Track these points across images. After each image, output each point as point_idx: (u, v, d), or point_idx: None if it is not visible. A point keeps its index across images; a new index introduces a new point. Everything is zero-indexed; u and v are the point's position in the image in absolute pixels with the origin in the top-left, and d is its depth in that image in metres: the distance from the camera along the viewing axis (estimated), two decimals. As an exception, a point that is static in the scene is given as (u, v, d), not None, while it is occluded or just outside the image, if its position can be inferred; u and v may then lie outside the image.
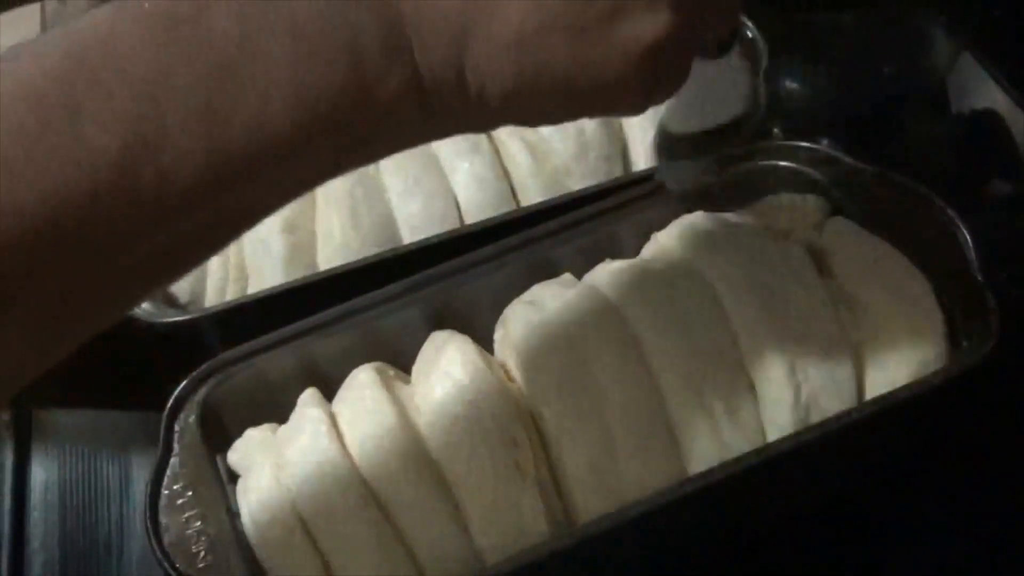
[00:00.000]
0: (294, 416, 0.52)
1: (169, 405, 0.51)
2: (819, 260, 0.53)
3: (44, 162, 0.27)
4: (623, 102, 0.36)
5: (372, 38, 0.31)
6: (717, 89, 0.46)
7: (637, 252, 0.57)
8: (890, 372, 0.50)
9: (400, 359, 0.54)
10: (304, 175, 0.34)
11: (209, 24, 0.30)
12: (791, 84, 0.78)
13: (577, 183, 0.62)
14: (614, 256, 0.56)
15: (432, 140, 0.37)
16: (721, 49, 0.43)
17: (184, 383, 0.52)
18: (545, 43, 0.33)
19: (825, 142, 0.61)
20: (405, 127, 0.34)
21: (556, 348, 0.49)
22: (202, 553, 0.47)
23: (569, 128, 0.63)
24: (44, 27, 0.96)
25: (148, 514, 0.48)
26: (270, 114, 0.30)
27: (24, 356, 0.30)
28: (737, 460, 0.47)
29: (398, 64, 0.32)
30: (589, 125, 0.63)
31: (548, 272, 0.55)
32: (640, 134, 0.65)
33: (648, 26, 0.33)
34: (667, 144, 0.48)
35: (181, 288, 0.62)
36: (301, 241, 0.61)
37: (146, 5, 0.30)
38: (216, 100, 0.29)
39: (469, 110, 0.34)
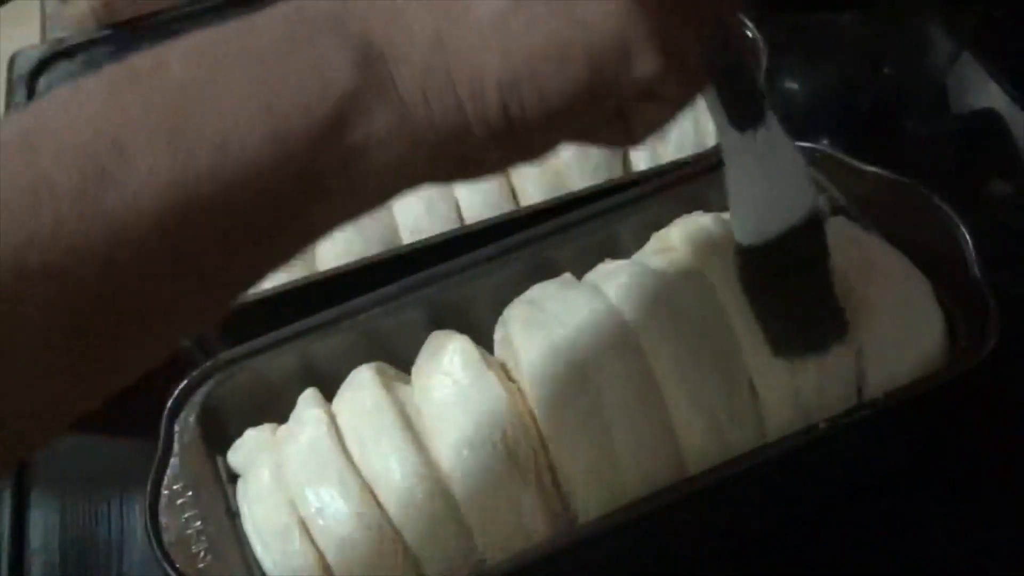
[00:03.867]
0: (294, 416, 0.52)
1: (169, 405, 0.52)
2: (819, 260, 0.53)
3: (3, 199, 0.27)
4: (636, 61, 0.32)
5: (342, 57, 0.30)
6: (768, 178, 0.42)
7: (637, 252, 0.57)
8: (890, 372, 0.50)
9: (400, 359, 0.54)
10: (274, 219, 0.32)
11: (168, 70, 0.30)
12: (791, 84, 0.78)
13: (577, 183, 0.62)
14: (614, 256, 0.56)
15: (430, 179, 0.34)
16: (746, 116, 0.39)
17: (184, 383, 0.52)
18: (527, 15, 0.31)
19: (825, 142, 0.61)
20: (391, 152, 0.32)
21: (556, 348, 0.49)
22: (202, 553, 0.47)
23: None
24: (44, 26, 0.96)
25: (148, 514, 0.48)
26: (237, 132, 0.29)
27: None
28: (737, 460, 0.47)
29: (372, 77, 0.31)
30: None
31: (548, 272, 0.55)
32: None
33: None
34: (749, 276, 0.45)
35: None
36: (301, 241, 0.61)
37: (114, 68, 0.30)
38: (179, 126, 0.29)
39: (469, 121, 0.32)
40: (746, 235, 0.45)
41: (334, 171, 0.31)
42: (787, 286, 0.46)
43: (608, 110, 0.35)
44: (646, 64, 0.32)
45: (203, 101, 0.29)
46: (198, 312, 0.33)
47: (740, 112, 0.39)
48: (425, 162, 0.33)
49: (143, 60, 0.30)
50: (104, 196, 0.28)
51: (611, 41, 0.32)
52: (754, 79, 0.39)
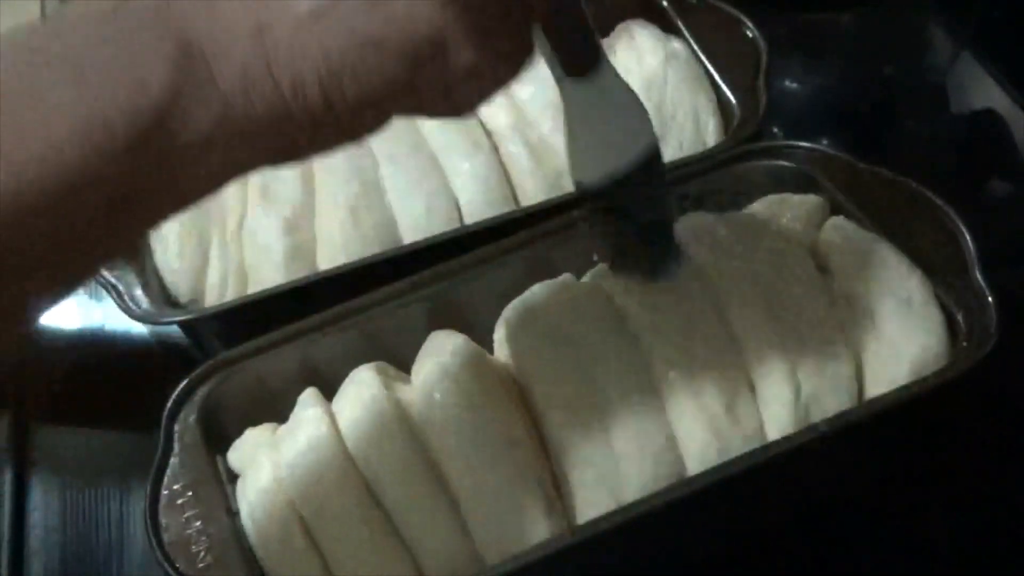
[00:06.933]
0: (294, 416, 0.52)
1: (169, 405, 0.52)
2: (819, 260, 0.53)
3: None
4: (452, 55, 0.34)
5: (161, 58, 0.31)
6: (607, 119, 0.42)
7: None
8: (890, 372, 0.50)
9: (400, 359, 0.54)
10: (101, 219, 0.32)
11: None
12: (791, 84, 0.78)
13: (577, 183, 0.62)
14: (614, 256, 0.56)
15: (254, 166, 0.35)
16: (581, 63, 0.39)
17: (184, 383, 0.52)
18: (343, 12, 0.32)
19: (825, 142, 0.61)
20: (212, 149, 0.33)
21: (557, 348, 0.49)
22: (202, 553, 0.47)
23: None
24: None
25: (148, 514, 0.48)
26: (57, 145, 0.30)
27: None
28: (737, 460, 0.47)
29: (192, 76, 0.31)
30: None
31: (548, 272, 0.55)
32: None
33: None
34: (591, 208, 0.44)
35: (181, 288, 0.62)
36: (301, 241, 0.61)
37: None
38: (5, 142, 0.30)
39: (292, 112, 0.33)
40: (584, 174, 0.44)
41: (156, 173, 0.32)
42: (628, 219, 0.46)
43: (428, 93, 0.35)
44: (461, 57, 0.34)
45: (24, 112, 0.30)
46: (39, 296, 0.34)
47: (573, 58, 0.39)
48: (248, 153, 0.34)
49: None
50: None
51: (425, 39, 0.33)
52: (585, 24, 0.38)
